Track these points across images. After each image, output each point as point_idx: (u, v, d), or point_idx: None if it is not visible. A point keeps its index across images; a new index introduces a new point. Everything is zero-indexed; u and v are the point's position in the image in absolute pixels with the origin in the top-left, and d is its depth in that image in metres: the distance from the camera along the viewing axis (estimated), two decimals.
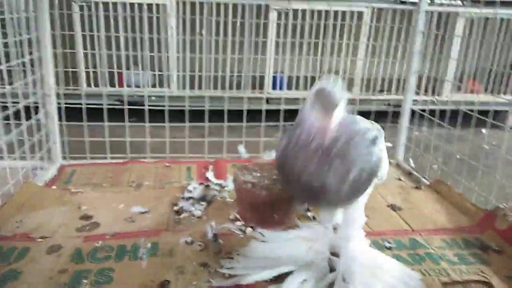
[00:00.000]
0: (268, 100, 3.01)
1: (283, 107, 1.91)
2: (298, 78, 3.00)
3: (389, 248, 1.26)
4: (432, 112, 1.81)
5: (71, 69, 2.50)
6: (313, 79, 2.93)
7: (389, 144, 2.03)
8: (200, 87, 2.84)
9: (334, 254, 1.11)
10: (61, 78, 2.14)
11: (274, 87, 3.10)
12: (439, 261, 1.21)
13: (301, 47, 2.78)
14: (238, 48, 2.67)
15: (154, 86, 2.92)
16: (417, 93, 2.03)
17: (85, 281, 1.07)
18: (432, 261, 1.21)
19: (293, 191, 1.11)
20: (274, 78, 3.05)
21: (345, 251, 1.07)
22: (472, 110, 1.58)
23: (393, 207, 1.51)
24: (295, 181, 1.01)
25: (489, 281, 1.13)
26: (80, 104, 1.79)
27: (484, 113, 1.54)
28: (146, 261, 1.15)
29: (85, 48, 2.66)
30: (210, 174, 1.71)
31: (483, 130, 1.55)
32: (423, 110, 1.89)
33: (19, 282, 1.06)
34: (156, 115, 1.88)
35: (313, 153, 0.96)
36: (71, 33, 2.60)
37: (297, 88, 3.05)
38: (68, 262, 1.14)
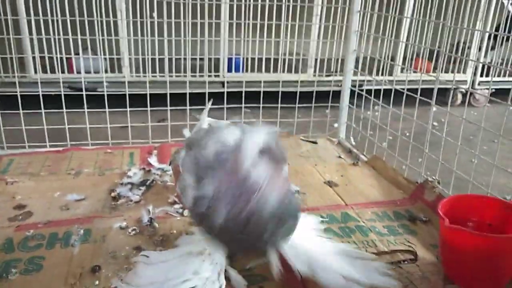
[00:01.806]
0: (223, 84, 3.00)
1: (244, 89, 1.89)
2: (253, 60, 2.98)
3: (322, 222, 1.30)
4: (384, 92, 1.81)
5: (16, 56, 2.38)
6: (267, 60, 2.92)
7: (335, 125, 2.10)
8: (154, 72, 2.78)
9: None
10: None
11: (229, 70, 3.07)
12: (368, 233, 1.26)
13: (254, 28, 2.76)
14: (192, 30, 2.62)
15: (106, 71, 2.85)
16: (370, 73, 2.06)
17: (14, 270, 1.05)
18: (361, 233, 1.26)
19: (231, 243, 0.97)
20: (230, 60, 3.03)
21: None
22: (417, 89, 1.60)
23: (329, 184, 1.55)
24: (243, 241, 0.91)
25: (414, 250, 1.19)
26: (25, 91, 1.74)
27: (432, 91, 1.55)
28: (77, 248, 1.14)
29: (30, 33, 2.55)
30: (153, 159, 1.70)
31: (434, 109, 1.58)
32: (370, 91, 1.90)
33: None
34: (109, 101, 1.85)
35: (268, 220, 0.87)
36: (15, 18, 2.49)
37: (252, 70, 3.03)
38: None
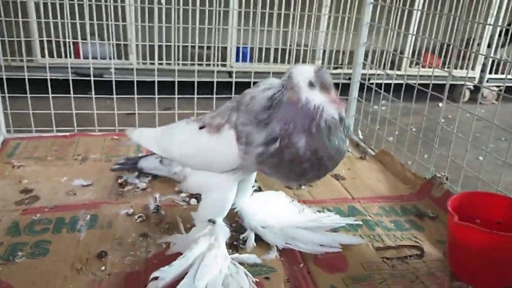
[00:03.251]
0: (230, 73, 2.98)
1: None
2: (261, 50, 2.95)
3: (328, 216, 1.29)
4: (389, 86, 1.80)
5: (22, 39, 2.35)
6: (276, 51, 2.89)
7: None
8: (160, 59, 2.75)
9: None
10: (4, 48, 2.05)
11: (237, 59, 3.05)
12: (374, 227, 1.26)
13: (263, 18, 2.72)
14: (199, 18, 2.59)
15: (111, 58, 2.82)
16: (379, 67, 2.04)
17: (21, 253, 1.06)
18: (368, 228, 1.25)
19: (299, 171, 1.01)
20: (238, 50, 3.01)
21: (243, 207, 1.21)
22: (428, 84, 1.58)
23: (336, 177, 1.55)
24: (320, 163, 0.98)
25: (421, 245, 1.19)
26: (32, 75, 1.73)
27: (442, 87, 1.55)
28: (84, 233, 1.14)
29: (38, 16, 2.52)
30: None
31: (440, 104, 1.56)
32: (380, 85, 1.88)
33: None
34: (116, 88, 1.83)
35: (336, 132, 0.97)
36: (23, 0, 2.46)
37: (260, 61, 3.01)
38: (4, 235, 1.12)
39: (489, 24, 3.20)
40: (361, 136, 1.96)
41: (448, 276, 1.08)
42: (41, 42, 2.59)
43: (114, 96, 1.81)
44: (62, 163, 1.56)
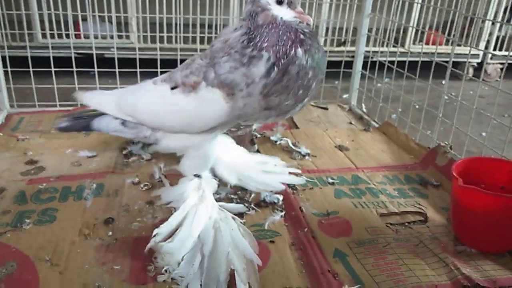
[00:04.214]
0: None
1: None
2: None
3: (332, 184, 1.31)
4: (392, 63, 1.79)
5: (21, 12, 2.29)
6: None
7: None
8: (162, 39, 2.72)
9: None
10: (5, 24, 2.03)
11: None
12: (378, 194, 1.27)
13: None
14: None
15: (112, 37, 2.79)
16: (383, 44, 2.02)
17: (28, 220, 1.07)
18: (371, 195, 1.26)
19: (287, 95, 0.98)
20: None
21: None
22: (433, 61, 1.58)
23: (340, 148, 1.55)
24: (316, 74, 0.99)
25: (425, 211, 1.20)
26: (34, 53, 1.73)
27: (444, 65, 1.54)
28: (90, 201, 1.15)
29: None
30: None
31: (443, 81, 1.55)
32: (383, 62, 1.87)
33: None
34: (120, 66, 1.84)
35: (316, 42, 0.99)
36: None
37: None
38: (11, 203, 1.14)
39: None
40: (364, 109, 1.96)
41: (452, 240, 1.09)
42: (42, 22, 2.58)
43: (117, 70, 1.81)
44: (66, 136, 1.56)
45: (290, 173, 1.31)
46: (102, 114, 1.12)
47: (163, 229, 0.99)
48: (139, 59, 1.83)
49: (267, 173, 1.28)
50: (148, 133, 1.08)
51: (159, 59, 1.83)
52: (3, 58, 1.75)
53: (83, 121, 1.16)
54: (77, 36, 2.59)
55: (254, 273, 0.92)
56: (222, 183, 1.20)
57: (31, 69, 1.76)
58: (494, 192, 1.00)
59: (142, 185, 1.22)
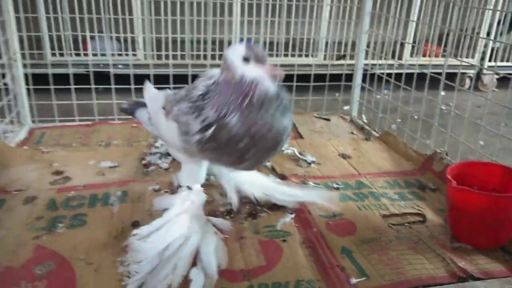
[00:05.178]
0: None
1: None
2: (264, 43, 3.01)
3: (337, 189, 1.41)
4: (391, 76, 1.91)
5: (33, 34, 2.39)
6: (278, 45, 2.96)
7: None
8: (166, 50, 2.80)
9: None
10: (24, 42, 2.15)
11: None
12: (380, 198, 1.37)
13: (267, 10, 2.74)
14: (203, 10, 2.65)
15: (120, 54, 2.90)
16: (381, 58, 2.14)
17: (61, 225, 1.17)
18: (374, 199, 1.36)
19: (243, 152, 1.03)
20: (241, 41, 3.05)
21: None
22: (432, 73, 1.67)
23: (343, 156, 1.66)
24: (261, 140, 1.00)
25: (423, 212, 1.30)
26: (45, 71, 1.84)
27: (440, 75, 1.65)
28: (117, 207, 1.26)
29: (47, 12, 2.58)
30: None
31: (442, 93, 1.65)
32: (382, 73, 1.98)
33: None
34: (123, 83, 1.94)
35: (273, 105, 1.00)
36: None
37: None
38: (44, 210, 1.24)
39: (488, 9, 3.27)
40: (365, 120, 2.07)
41: (448, 238, 1.18)
42: (51, 40, 2.69)
43: (132, 86, 1.91)
44: (87, 148, 1.67)
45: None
46: (145, 106, 1.32)
47: (143, 231, 1.07)
48: (147, 74, 1.95)
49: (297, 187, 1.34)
50: (156, 134, 1.25)
51: (171, 75, 1.95)
52: (26, 75, 1.86)
53: (133, 107, 1.39)
54: (85, 54, 2.69)
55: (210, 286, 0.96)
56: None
57: (52, 86, 1.87)
58: (485, 192, 1.10)
59: (162, 192, 1.33)
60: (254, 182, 1.29)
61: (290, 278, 1.00)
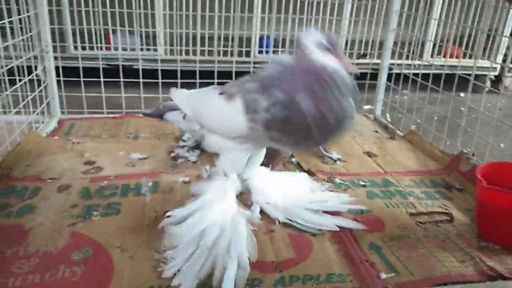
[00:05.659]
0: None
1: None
2: (284, 40, 3.00)
3: (364, 186, 1.42)
4: (415, 76, 1.92)
5: (57, 26, 2.40)
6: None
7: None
8: (187, 46, 2.79)
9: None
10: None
11: (260, 50, 3.10)
12: (407, 196, 1.38)
13: (286, 5, 2.72)
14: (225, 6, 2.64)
15: (141, 49, 2.92)
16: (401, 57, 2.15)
17: (96, 213, 1.20)
18: (401, 197, 1.37)
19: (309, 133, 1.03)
20: (261, 40, 3.06)
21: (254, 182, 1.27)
22: (453, 74, 1.69)
23: (368, 154, 1.67)
24: (326, 122, 1.01)
25: (450, 212, 1.30)
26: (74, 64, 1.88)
27: (462, 77, 1.66)
28: (149, 197, 1.29)
29: (71, 5, 2.60)
30: None
31: (462, 94, 1.66)
32: (404, 75, 1.99)
33: (35, 214, 1.19)
34: (148, 76, 1.98)
35: (342, 89, 1.01)
36: None
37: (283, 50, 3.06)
38: (78, 198, 1.27)
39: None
40: (389, 119, 2.07)
41: (475, 238, 1.19)
42: (74, 34, 2.73)
43: (160, 80, 1.95)
44: (116, 140, 1.71)
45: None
46: (174, 109, 1.33)
47: (176, 213, 1.11)
48: (165, 70, 1.98)
49: (321, 214, 1.23)
50: (196, 128, 1.24)
51: (198, 71, 1.97)
52: (57, 68, 1.90)
53: (161, 112, 1.39)
54: (108, 49, 2.72)
55: (242, 279, 0.97)
56: None
57: (82, 79, 1.91)
58: None
59: (192, 184, 1.35)
60: (280, 205, 1.25)
61: (321, 271, 1.02)
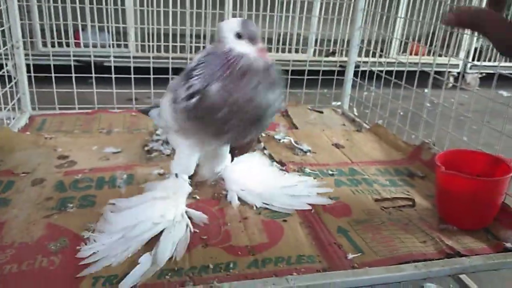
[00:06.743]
0: None
1: None
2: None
3: (332, 175, 1.49)
4: (380, 72, 2.00)
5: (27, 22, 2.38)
6: (269, 40, 3.02)
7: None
8: (159, 42, 2.78)
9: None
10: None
11: None
12: (372, 184, 1.45)
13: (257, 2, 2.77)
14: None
15: (112, 45, 2.91)
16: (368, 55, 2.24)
17: (71, 205, 1.22)
18: (367, 184, 1.45)
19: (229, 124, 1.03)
20: None
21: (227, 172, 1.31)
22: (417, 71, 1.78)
23: (337, 146, 1.74)
24: (241, 111, 1.00)
25: (413, 197, 1.38)
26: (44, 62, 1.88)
27: (428, 74, 1.75)
28: (124, 189, 1.31)
29: (39, 0, 2.56)
30: None
31: (426, 90, 1.75)
32: (370, 71, 2.08)
33: (10, 207, 1.20)
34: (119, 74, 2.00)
35: (258, 78, 1.00)
36: None
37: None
38: (53, 191, 1.29)
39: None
40: (356, 113, 2.15)
41: (436, 221, 1.27)
42: (42, 31, 2.70)
43: (132, 76, 1.97)
44: (89, 135, 1.72)
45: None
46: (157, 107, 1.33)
47: (119, 202, 1.16)
48: (136, 67, 2.00)
49: (294, 196, 1.31)
50: (164, 124, 1.25)
51: (171, 68, 2.00)
52: (27, 65, 1.90)
53: (148, 109, 1.44)
54: (77, 45, 2.69)
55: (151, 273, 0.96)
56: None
57: (53, 75, 1.91)
58: (471, 176, 1.19)
59: (167, 175, 1.38)
60: (255, 191, 1.30)
61: (292, 253, 1.08)
